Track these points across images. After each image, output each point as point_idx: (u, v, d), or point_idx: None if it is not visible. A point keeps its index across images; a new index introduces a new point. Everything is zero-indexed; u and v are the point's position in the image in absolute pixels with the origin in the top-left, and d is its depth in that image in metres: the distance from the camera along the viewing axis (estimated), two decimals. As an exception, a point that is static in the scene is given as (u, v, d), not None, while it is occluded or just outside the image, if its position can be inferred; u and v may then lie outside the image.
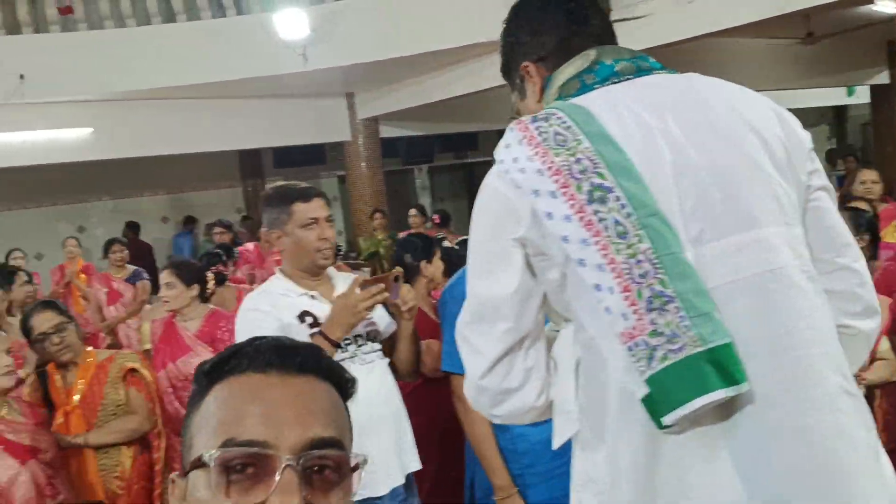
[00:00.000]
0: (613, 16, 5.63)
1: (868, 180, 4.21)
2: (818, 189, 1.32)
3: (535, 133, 1.24)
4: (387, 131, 10.79)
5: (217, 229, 7.28)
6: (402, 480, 2.31)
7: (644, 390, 1.13)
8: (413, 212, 8.27)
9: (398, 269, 2.26)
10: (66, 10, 8.41)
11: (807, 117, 18.43)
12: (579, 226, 1.17)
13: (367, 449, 2.21)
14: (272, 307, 2.21)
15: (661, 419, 1.13)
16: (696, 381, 1.11)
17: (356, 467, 0.85)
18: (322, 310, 2.23)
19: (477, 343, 1.29)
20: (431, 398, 2.67)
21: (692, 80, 1.38)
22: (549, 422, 2.42)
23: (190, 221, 12.11)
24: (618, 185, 1.18)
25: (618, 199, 1.17)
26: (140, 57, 8.10)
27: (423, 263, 3.56)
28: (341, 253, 6.25)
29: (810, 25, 7.74)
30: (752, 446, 1.15)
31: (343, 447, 0.84)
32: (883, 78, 11.14)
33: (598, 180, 1.18)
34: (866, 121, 20.02)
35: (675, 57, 8.48)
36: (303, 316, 2.22)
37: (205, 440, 0.82)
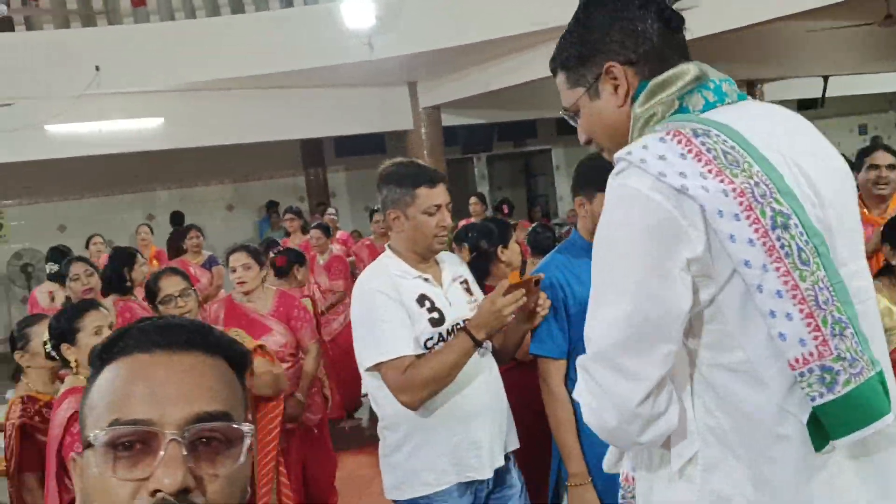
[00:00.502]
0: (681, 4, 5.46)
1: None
2: None
3: (702, 148, 1.21)
4: (448, 120, 10.80)
5: (287, 216, 7.39)
6: (503, 462, 2.36)
7: (808, 413, 1.18)
8: (473, 200, 8.27)
9: (541, 275, 2.23)
10: (139, 2, 8.62)
11: (875, 103, 17.91)
12: (762, 251, 1.16)
13: (476, 435, 2.25)
14: (394, 290, 2.20)
15: (827, 442, 1.18)
16: (872, 404, 1.17)
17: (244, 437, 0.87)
18: (435, 293, 2.25)
19: (634, 368, 1.22)
20: (521, 380, 2.68)
21: (785, 111, 1.41)
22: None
23: (272, 206, 12.35)
24: (793, 211, 1.18)
25: (797, 225, 1.18)
26: (210, 47, 8.26)
27: (499, 249, 3.57)
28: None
29: (889, 7, 7.47)
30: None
31: (230, 418, 0.86)
32: (963, 61, 10.71)
33: (777, 206, 1.18)
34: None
35: (746, 41, 8.32)
36: (421, 300, 2.23)
37: (94, 420, 0.86)
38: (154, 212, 11.60)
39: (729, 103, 1.33)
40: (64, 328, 2.61)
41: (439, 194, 2.26)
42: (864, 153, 3.48)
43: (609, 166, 2.37)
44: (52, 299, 5.61)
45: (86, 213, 11.21)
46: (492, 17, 7.84)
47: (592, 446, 2.36)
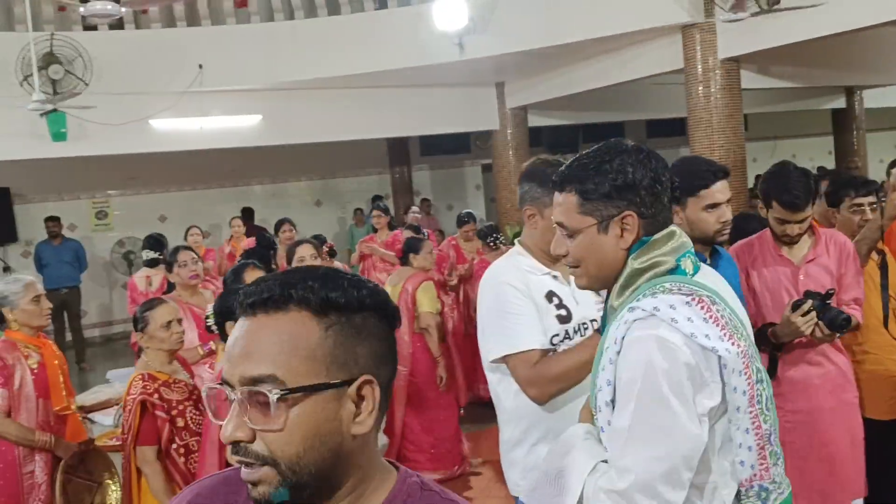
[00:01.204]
0: (785, 2, 5.41)
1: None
2: None
3: (718, 315, 1.49)
4: (534, 120, 10.81)
5: (375, 212, 7.56)
6: None
7: None
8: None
9: None
10: (241, 3, 8.96)
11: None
12: (747, 398, 1.49)
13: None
14: (524, 284, 2.18)
15: None
16: None
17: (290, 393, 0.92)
18: (563, 291, 2.21)
19: (670, 497, 1.47)
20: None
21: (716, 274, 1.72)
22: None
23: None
24: (762, 369, 1.54)
25: (765, 379, 1.54)
26: (306, 48, 8.53)
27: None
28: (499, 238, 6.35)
29: None
30: None
31: (271, 380, 0.92)
32: None
33: (758, 364, 1.53)
34: None
35: (846, 47, 8.05)
36: (550, 296, 2.20)
37: None
38: (248, 205, 12.01)
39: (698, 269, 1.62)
40: (232, 306, 2.84)
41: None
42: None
43: (696, 168, 2.40)
44: (150, 283, 5.90)
45: (184, 204, 11.70)
46: (582, 20, 7.83)
47: None
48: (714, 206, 2.36)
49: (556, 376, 2.09)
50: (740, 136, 7.64)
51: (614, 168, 1.54)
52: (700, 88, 7.63)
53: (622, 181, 1.54)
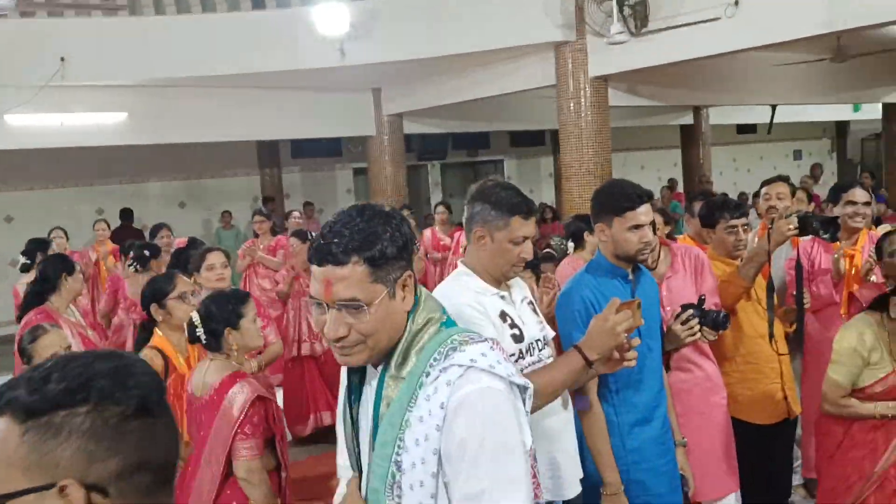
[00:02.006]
0: (652, 26, 5.86)
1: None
2: None
3: (503, 356, 1.49)
4: (409, 127, 10.93)
5: (257, 218, 7.39)
6: (579, 488, 2.34)
7: None
8: (441, 208, 8.41)
9: (638, 299, 2.20)
10: (107, -5, 8.51)
11: (811, 130, 18.77)
12: None
13: (554, 455, 2.22)
14: (480, 305, 2.17)
15: None
16: None
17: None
18: (512, 311, 2.24)
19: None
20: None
21: None
22: (656, 419, 2.60)
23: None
24: None
25: None
26: (179, 45, 8.21)
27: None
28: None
29: (840, 44, 7.96)
30: None
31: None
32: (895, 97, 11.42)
33: None
34: (866, 136, 20.42)
35: (698, 68, 8.71)
36: (503, 316, 2.21)
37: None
38: (104, 205, 11.37)
39: None
40: (230, 314, 2.74)
41: (530, 227, 2.23)
42: (840, 189, 3.76)
43: (623, 192, 2.55)
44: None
45: (34, 204, 10.91)
46: (462, 33, 8.04)
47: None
48: (638, 227, 2.52)
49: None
50: (608, 149, 8.09)
51: (393, 227, 1.45)
52: (571, 104, 8.03)
53: (402, 241, 1.45)
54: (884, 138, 12.59)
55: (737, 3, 6.49)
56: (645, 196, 2.56)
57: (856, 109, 15.67)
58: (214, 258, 4.01)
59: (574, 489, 2.32)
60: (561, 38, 7.81)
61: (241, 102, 9.39)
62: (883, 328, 2.74)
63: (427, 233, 8.21)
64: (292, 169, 13.65)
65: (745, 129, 17.28)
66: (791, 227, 3.23)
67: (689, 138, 13.86)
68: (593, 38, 7.60)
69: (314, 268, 1.44)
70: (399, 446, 1.40)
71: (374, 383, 1.50)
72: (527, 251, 2.24)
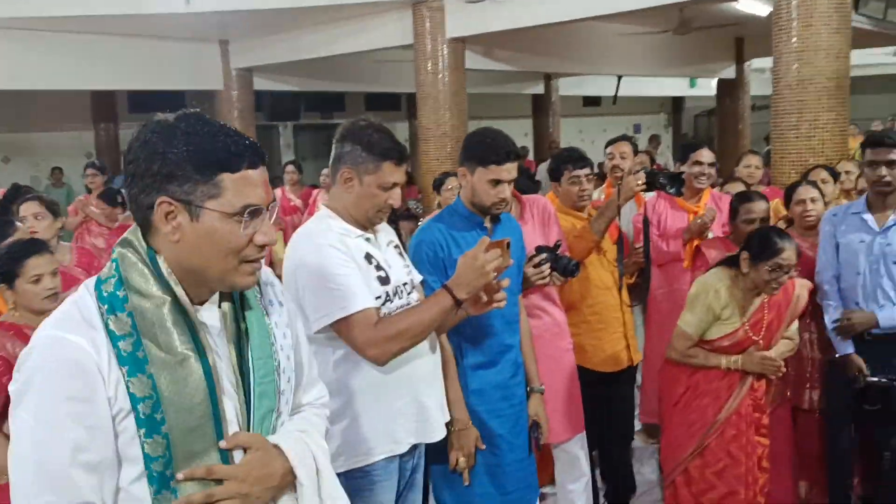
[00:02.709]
0: None
1: (752, 164, 4.62)
2: None
3: None
4: (260, 84, 10.50)
5: (90, 171, 6.81)
6: (444, 432, 2.30)
7: None
8: (291, 168, 8.13)
9: (508, 238, 2.14)
10: None
11: (650, 105, 19.77)
12: None
13: (421, 399, 2.17)
14: (344, 246, 2.09)
15: None
16: None
17: None
18: (378, 254, 2.18)
19: None
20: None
21: None
22: (504, 364, 2.61)
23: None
24: None
25: None
26: (-1, -20, 7.42)
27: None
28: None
29: (683, 17, 8.33)
30: None
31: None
32: (729, 73, 12.17)
33: None
34: (699, 112, 21.81)
35: (546, 37, 8.89)
36: (368, 258, 2.14)
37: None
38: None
39: None
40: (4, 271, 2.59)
41: (401, 174, 2.17)
42: (689, 149, 3.93)
43: (494, 144, 2.52)
44: None
45: None
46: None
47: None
48: (498, 182, 2.50)
49: (398, 334, 2.03)
50: (464, 112, 8.13)
51: None
52: (429, 65, 7.97)
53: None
54: (717, 113, 13.41)
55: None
56: (513, 154, 2.54)
57: (692, 85, 16.65)
58: (26, 208, 3.71)
59: (440, 432, 2.28)
60: (420, -4, 7.74)
61: (73, 49, 8.64)
62: (736, 285, 2.87)
63: (277, 193, 7.91)
64: (130, 125, 12.79)
65: (591, 102, 17.95)
66: (639, 181, 3.33)
67: (540, 108, 14.22)
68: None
69: (252, 172, 1.26)
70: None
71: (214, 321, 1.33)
72: (395, 197, 2.17)
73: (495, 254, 2.04)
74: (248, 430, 1.34)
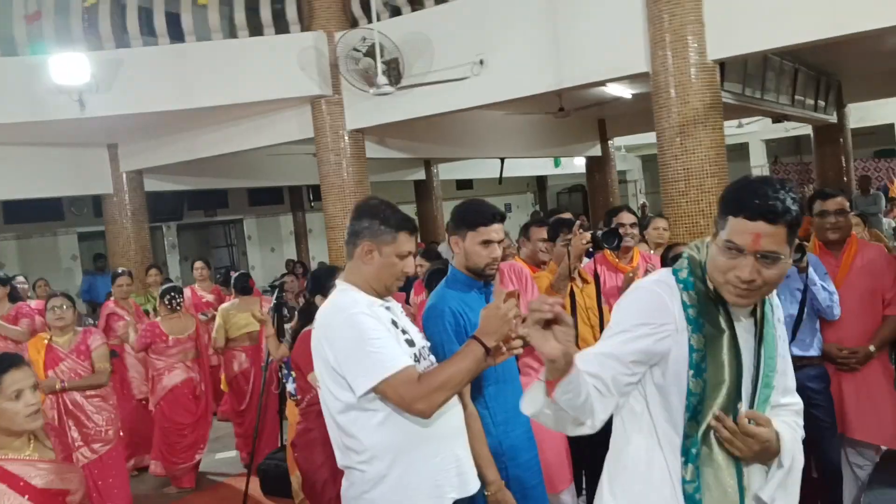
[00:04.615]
0: (405, 81, 6.34)
1: (660, 227, 5.14)
2: None
3: None
4: (150, 185, 10.36)
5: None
6: (479, 483, 2.43)
7: None
8: (200, 264, 8.08)
9: (517, 289, 2.31)
10: None
11: (518, 185, 20.85)
12: None
13: (458, 451, 2.31)
14: (373, 313, 2.23)
15: None
16: None
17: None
18: (399, 319, 2.32)
19: None
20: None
21: None
22: (523, 415, 2.80)
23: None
24: None
25: None
26: None
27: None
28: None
29: (561, 101, 9.10)
30: None
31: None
32: (596, 150, 13.19)
33: None
34: (561, 189, 23.17)
35: (437, 125, 9.41)
36: (394, 323, 2.28)
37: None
38: None
39: None
40: None
41: (413, 243, 2.34)
42: (611, 213, 4.41)
43: (479, 209, 2.80)
44: None
45: None
46: (212, 86, 7.94)
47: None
48: (488, 242, 2.76)
49: (441, 386, 2.15)
50: (368, 200, 8.37)
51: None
52: (332, 157, 8.26)
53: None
54: (588, 188, 14.39)
55: (482, 62, 7.21)
56: (499, 215, 2.82)
57: (556, 165, 17.75)
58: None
59: (476, 483, 2.41)
60: (318, 92, 8.04)
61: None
62: None
63: (186, 292, 7.83)
64: (6, 235, 12.19)
65: (464, 185, 18.76)
66: (584, 241, 3.70)
67: (422, 193, 14.73)
68: (349, 93, 7.92)
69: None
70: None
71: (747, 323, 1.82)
72: (409, 265, 2.37)
73: (513, 303, 2.24)
74: (752, 407, 1.81)
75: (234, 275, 7.15)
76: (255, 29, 8.28)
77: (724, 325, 1.78)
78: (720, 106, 6.27)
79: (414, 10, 7.89)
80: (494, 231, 2.78)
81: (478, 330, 2.26)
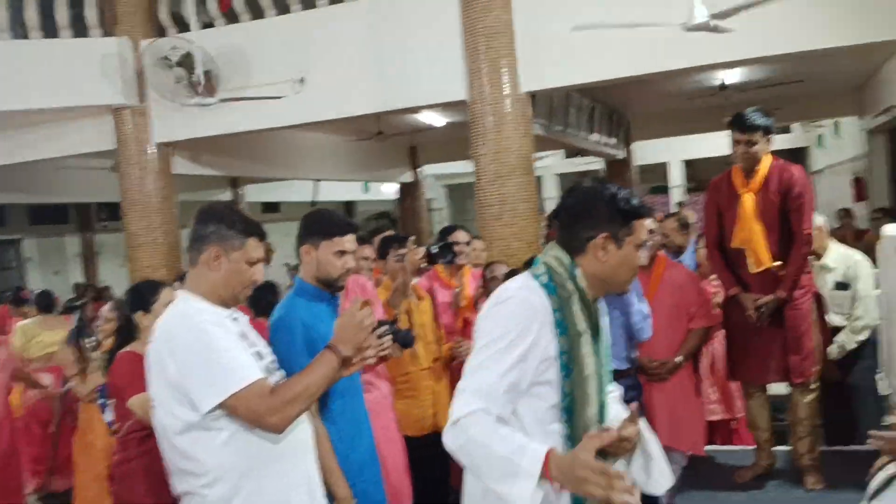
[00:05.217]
0: (220, 95, 6.23)
1: (478, 248, 5.30)
2: None
3: None
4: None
5: None
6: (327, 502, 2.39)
7: None
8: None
9: (370, 299, 2.28)
10: None
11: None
12: None
13: (309, 469, 2.25)
14: (220, 323, 2.10)
15: None
16: None
17: None
18: (247, 331, 2.21)
19: None
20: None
21: None
22: (367, 430, 2.74)
23: None
24: None
25: None
26: None
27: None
28: None
29: (380, 125, 9.15)
30: None
31: None
32: (407, 177, 13.42)
33: None
34: (369, 216, 23.30)
35: (257, 143, 9.14)
36: (243, 336, 2.17)
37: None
38: None
39: None
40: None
41: (262, 250, 2.25)
42: (446, 231, 4.50)
43: (333, 219, 2.74)
44: None
45: None
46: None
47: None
48: (343, 252, 2.71)
49: (295, 398, 2.06)
50: (175, 219, 7.93)
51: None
52: (136, 170, 7.74)
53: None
54: (400, 213, 14.60)
55: (302, 80, 7.11)
56: (353, 226, 2.79)
57: (365, 190, 17.87)
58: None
59: (324, 501, 2.35)
60: (122, 101, 7.53)
61: None
62: None
63: None
64: None
65: (270, 209, 18.29)
66: (419, 257, 3.77)
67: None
68: (158, 104, 7.48)
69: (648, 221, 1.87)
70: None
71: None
72: (259, 273, 2.27)
73: (368, 311, 2.23)
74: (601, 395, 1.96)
75: (30, 294, 6.60)
76: (50, 32, 7.62)
77: (587, 324, 1.91)
78: (531, 136, 6.61)
79: (229, 23, 7.65)
80: (349, 241, 2.74)
81: (333, 339, 2.20)
